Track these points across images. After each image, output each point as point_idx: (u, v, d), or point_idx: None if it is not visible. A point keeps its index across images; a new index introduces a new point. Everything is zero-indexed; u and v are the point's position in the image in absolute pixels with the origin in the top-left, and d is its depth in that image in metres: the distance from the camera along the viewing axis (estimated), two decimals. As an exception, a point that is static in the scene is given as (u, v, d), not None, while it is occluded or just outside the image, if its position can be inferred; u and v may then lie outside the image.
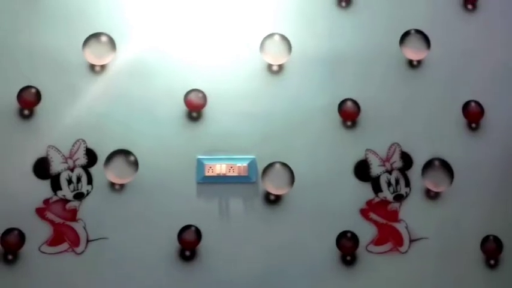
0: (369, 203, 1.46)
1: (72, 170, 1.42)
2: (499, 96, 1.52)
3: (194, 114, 1.47)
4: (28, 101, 1.42)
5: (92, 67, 1.47)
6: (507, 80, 1.54)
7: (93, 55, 1.46)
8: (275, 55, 1.50)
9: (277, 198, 1.45)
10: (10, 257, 1.36)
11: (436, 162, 1.47)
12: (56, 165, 1.42)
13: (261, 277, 1.40)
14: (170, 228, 1.40)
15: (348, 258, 1.42)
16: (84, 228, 1.40)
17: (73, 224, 1.39)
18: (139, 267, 1.38)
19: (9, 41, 1.46)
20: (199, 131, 1.46)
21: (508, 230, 1.46)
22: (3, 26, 1.47)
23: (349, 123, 1.49)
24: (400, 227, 1.44)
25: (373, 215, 1.45)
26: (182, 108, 1.47)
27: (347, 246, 1.41)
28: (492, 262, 1.44)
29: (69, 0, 1.49)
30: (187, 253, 1.40)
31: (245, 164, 1.44)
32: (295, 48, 1.50)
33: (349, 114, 1.49)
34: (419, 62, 1.53)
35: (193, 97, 1.47)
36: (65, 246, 1.38)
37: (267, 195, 1.45)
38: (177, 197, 1.42)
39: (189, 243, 1.40)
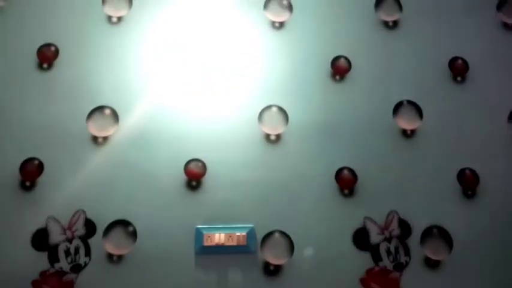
0: (368, 272, 1.44)
1: (70, 241, 1.42)
2: (493, 163, 1.55)
3: (194, 183, 1.49)
4: (30, 173, 1.45)
5: (95, 139, 1.51)
6: (499, 147, 1.58)
7: (97, 127, 1.51)
8: (273, 125, 1.55)
9: (277, 269, 1.43)
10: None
11: (435, 230, 1.48)
12: (55, 236, 1.41)
13: None
14: None
15: (350, 330, 1.39)
16: (82, 302, 1.38)
17: (70, 298, 1.38)
18: None
19: (13, 114, 1.51)
20: (199, 200, 1.47)
21: (511, 299, 1.44)
22: (8, 99, 1.52)
23: (346, 191, 1.51)
24: (401, 297, 1.42)
25: (374, 285, 1.43)
26: (182, 177, 1.49)
27: (348, 318, 1.39)
28: (497, 333, 1.41)
29: (74, 75, 1.56)
30: None
31: (244, 233, 1.44)
32: (292, 118, 1.55)
33: (346, 182, 1.51)
34: (412, 131, 1.57)
35: (193, 166, 1.50)
36: (60, 319, 1.36)
37: (267, 265, 1.43)
38: (175, 267, 1.41)
39: None
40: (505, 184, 1.53)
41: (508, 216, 1.49)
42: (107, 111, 1.52)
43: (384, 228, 1.48)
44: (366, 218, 1.48)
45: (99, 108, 1.52)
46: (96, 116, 1.51)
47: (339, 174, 1.51)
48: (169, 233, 1.43)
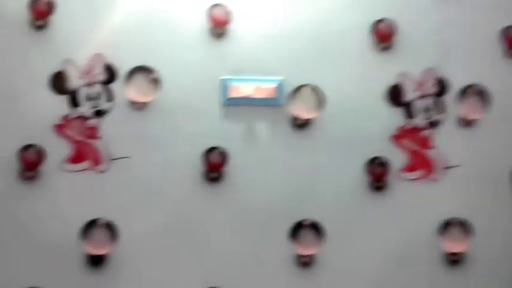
0: (400, 129, 1.40)
1: (90, 86, 1.35)
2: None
3: (218, 31, 1.38)
4: (40, 11, 1.32)
5: (110, -23, 1.36)
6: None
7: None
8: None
9: (305, 123, 1.39)
10: (29, 174, 1.32)
11: (472, 89, 1.41)
12: (74, 80, 1.33)
13: (287, 201, 1.37)
14: (195, 149, 1.35)
15: (377, 184, 1.38)
16: (105, 146, 1.35)
17: (94, 142, 1.34)
18: (163, 187, 1.35)
19: None
20: (224, 50, 1.37)
21: (542, 159, 1.43)
22: None
23: (383, 45, 1.40)
24: (432, 154, 1.40)
25: (404, 142, 1.40)
26: (205, 24, 1.37)
27: (376, 173, 1.38)
28: (522, 190, 1.43)
29: None
30: (213, 175, 1.37)
31: (273, 85, 1.37)
32: (327, -37, 1.39)
33: (383, 35, 1.39)
34: (458, -16, 1.43)
35: (217, 12, 1.37)
36: (86, 164, 1.34)
37: (295, 119, 1.39)
38: (201, 118, 1.36)
39: (215, 165, 1.35)
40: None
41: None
42: None
43: (419, 85, 1.42)
44: (401, 73, 1.40)
45: None
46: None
47: (376, 26, 1.39)
48: (194, 83, 1.36)
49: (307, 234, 1.36)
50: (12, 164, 1.31)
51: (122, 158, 1.34)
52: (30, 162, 1.30)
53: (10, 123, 1.32)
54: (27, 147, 1.31)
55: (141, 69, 1.35)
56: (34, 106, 1.33)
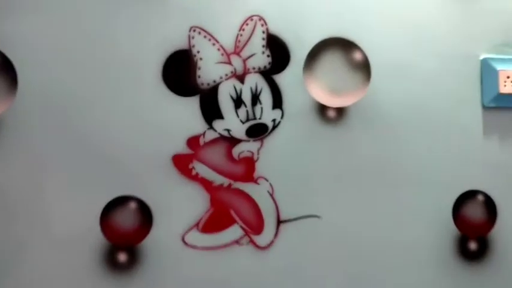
0: None
1: (241, 78, 0.74)
2: None
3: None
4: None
5: None
6: None
7: None
8: None
9: None
10: (122, 256, 0.68)
11: None
12: (208, 67, 0.72)
13: None
14: (437, 195, 0.74)
15: None
16: (271, 195, 0.73)
17: (249, 188, 0.71)
18: (380, 267, 0.73)
19: None
20: (484, 11, 0.77)
21: None
22: None
23: None
24: None
25: None
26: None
27: None
28: None
29: None
30: (472, 246, 0.74)
31: None
32: None
33: None
34: None
35: None
36: (234, 232, 0.70)
37: None
38: (444, 132, 0.76)
39: (472, 226, 0.73)
40: None
41: None
42: None
43: None
44: None
45: None
46: None
47: None
48: (429, 69, 0.75)
49: None
50: (94, 234, 0.68)
51: (302, 218, 0.72)
52: (124, 233, 0.66)
53: (94, 153, 0.69)
54: (119, 202, 0.67)
55: (333, 45, 0.72)
56: (135, 120, 0.70)
